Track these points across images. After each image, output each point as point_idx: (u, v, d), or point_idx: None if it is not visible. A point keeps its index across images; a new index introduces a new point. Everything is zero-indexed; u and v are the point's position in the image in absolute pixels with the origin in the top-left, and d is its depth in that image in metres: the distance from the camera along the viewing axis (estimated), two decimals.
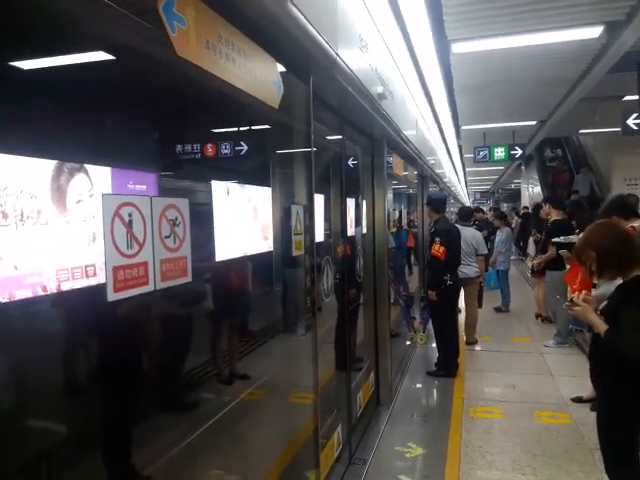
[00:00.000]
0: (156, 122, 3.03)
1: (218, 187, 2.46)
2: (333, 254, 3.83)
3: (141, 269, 1.48)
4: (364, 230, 4.52)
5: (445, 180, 12.06)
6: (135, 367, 2.70)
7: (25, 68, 2.36)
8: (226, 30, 1.73)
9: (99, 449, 2.66)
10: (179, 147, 3.11)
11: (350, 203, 4.10)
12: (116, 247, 1.40)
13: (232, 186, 2.70)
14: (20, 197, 1.36)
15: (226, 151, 3.03)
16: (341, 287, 3.88)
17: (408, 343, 6.72)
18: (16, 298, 1.37)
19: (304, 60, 2.31)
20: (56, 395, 3.21)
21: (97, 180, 1.65)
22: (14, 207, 1.34)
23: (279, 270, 4.84)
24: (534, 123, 9.49)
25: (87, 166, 1.61)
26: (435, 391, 5.29)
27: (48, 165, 1.48)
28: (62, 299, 2.24)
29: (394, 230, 7.15)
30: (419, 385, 5.45)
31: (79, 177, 1.56)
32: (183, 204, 1.65)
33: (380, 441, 4.00)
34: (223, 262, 2.65)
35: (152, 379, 3.33)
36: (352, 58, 2.68)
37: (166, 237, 1.58)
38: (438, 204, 5.75)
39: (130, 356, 2.59)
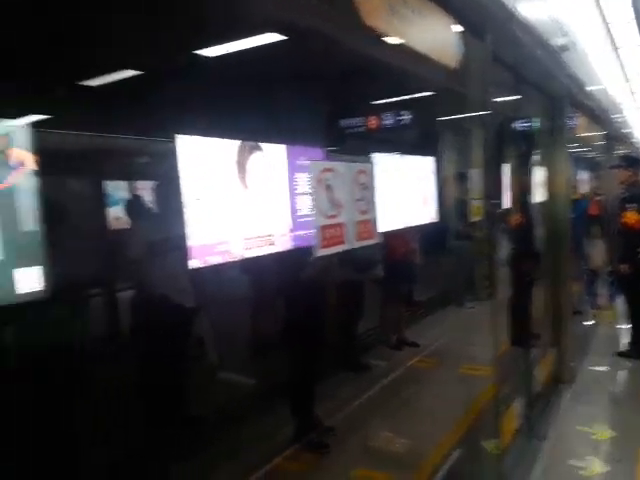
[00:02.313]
0: (323, 99, 3.14)
1: (380, 159, 2.49)
2: (507, 223, 3.67)
3: (339, 229, 1.58)
4: (542, 198, 4.22)
5: (633, 140, 10.65)
6: (320, 329, 2.91)
7: (207, 55, 2.60)
8: None
9: (288, 401, 2.95)
10: (343, 122, 3.16)
11: (526, 169, 3.86)
12: (320, 209, 1.50)
13: (395, 158, 2.72)
14: (213, 176, 1.54)
15: (390, 122, 3.01)
16: (517, 258, 3.70)
17: (592, 322, 6.17)
18: (209, 264, 1.56)
19: (480, 16, 2.20)
20: (249, 353, 3.62)
21: (275, 157, 1.78)
22: (204, 185, 1.51)
23: (448, 241, 4.76)
24: None
25: (265, 144, 1.76)
26: (626, 373, 4.79)
27: (233, 145, 1.64)
28: (250, 265, 2.48)
29: (575, 197, 6.54)
30: (605, 366, 4.97)
31: (258, 154, 1.71)
32: (370, 169, 1.71)
33: (561, 419, 3.77)
34: (390, 232, 2.68)
35: (334, 340, 3.56)
36: (531, 9, 2.49)
37: (358, 200, 1.66)
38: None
39: (315, 318, 2.78)
